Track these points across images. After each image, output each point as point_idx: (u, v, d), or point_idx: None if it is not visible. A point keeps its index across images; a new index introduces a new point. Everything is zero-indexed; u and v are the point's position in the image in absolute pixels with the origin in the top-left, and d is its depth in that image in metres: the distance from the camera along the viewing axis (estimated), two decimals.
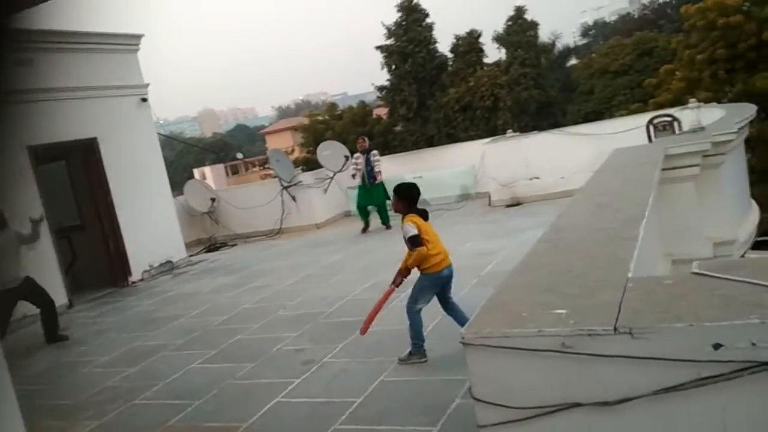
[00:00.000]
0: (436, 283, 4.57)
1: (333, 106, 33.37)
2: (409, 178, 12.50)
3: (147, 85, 10.97)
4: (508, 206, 10.69)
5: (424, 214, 4.60)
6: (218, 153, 47.30)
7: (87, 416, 4.82)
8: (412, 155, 14.26)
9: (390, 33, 30.44)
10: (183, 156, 50.75)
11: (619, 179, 4.36)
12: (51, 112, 9.21)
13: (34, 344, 7.33)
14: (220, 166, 48.72)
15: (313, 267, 8.80)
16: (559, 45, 32.49)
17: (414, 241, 4.43)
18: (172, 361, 5.79)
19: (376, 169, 10.69)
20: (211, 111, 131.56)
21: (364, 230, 10.83)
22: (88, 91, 9.81)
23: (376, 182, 10.69)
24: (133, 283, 10.14)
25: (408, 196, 4.67)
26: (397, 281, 4.71)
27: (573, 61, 34.10)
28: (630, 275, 2.20)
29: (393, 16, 30.86)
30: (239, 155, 32.55)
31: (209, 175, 47.65)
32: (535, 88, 26.29)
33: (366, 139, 11.17)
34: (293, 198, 12.25)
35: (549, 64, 29.24)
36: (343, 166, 11.99)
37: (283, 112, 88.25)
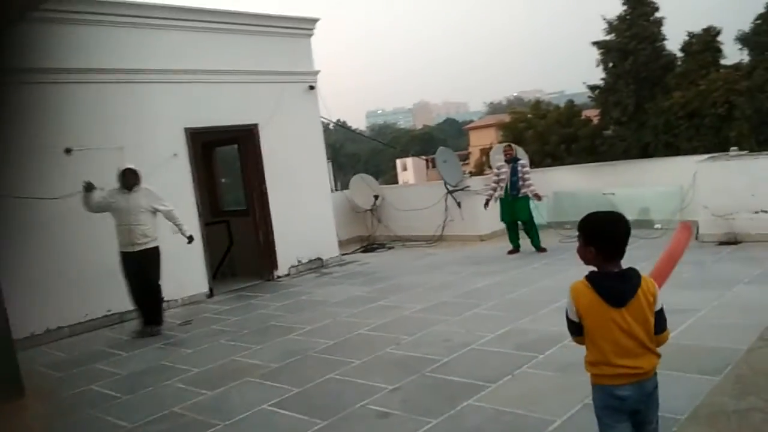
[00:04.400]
0: (610, 405, 2.46)
1: (537, 104, 31.29)
2: (598, 195, 10.63)
3: (317, 73, 10.40)
4: (721, 243, 8.35)
5: (616, 286, 2.49)
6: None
7: None
8: (606, 166, 12.11)
9: (611, 28, 27.67)
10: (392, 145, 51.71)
11: None
12: (213, 95, 9.02)
13: (144, 339, 7.05)
14: (422, 160, 48.83)
15: (454, 291, 7.51)
16: None
17: (569, 327, 2.57)
18: (250, 394, 4.92)
19: (521, 183, 9.42)
20: (426, 104, 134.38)
21: (512, 252, 9.60)
22: (253, 75, 9.46)
23: (520, 195, 9.43)
24: (278, 277, 9.70)
25: (594, 237, 2.53)
26: None
27: None
28: None
29: (617, 9, 27.99)
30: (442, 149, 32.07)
31: (410, 166, 48.13)
32: None
33: (512, 146, 9.93)
34: (458, 204, 10.97)
35: None
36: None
37: (494, 108, 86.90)
